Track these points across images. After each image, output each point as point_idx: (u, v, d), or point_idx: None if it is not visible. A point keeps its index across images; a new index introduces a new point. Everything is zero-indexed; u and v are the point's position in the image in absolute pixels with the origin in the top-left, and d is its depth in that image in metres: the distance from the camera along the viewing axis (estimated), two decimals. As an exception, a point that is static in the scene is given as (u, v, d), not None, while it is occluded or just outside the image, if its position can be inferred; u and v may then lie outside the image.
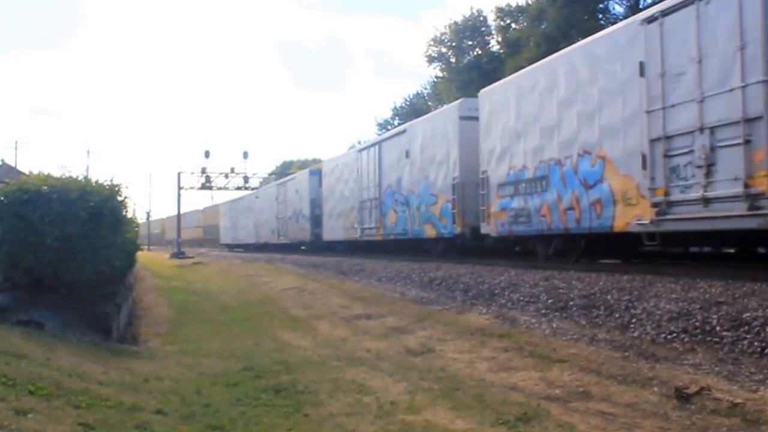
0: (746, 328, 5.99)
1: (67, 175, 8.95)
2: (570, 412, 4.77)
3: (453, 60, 44.91)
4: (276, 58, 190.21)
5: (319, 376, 6.16)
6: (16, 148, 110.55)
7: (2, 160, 51.26)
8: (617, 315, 7.45)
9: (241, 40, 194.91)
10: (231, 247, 46.37)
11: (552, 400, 5.09)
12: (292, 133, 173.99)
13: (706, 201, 8.56)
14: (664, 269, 9.93)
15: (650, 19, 9.59)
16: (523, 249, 14.50)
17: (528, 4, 37.14)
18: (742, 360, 5.52)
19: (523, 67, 16.34)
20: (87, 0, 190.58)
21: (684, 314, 6.71)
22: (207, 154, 46.43)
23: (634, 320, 7.13)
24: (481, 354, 6.85)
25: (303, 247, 30.63)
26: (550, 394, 5.28)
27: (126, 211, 9.56)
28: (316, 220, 28.15)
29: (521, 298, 9.37)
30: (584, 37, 13.36)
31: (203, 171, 46.11)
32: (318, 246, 27.95)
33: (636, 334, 6.80)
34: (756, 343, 5.70)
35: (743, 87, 8.02)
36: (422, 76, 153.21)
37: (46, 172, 8.97)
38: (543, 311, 8.47)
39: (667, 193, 9.23)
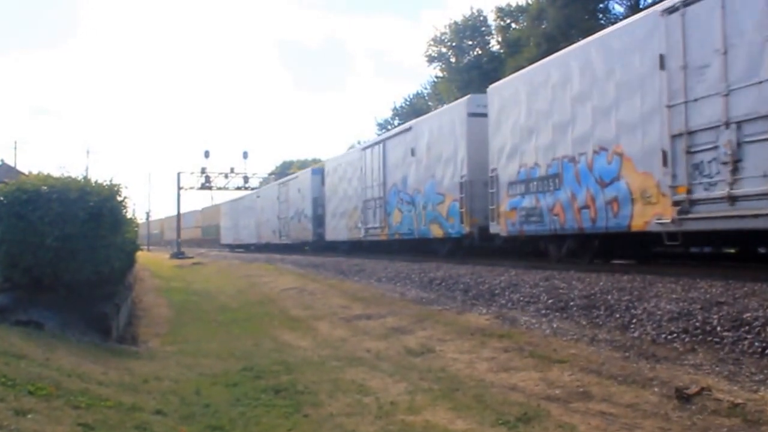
0: (747, 328, 5.98)
1: (66, 175, 8.96)
2: (570, 412, 4.76)
3: (453, 60, 44.94)
4: (276, 58, 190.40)
5: (319, 377, 6.15)
6: (15, 148, 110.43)
7: (2, 160, 51.26)
8: (618, 315, 7.44)
9: (241, 41, 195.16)
10: (232, 247, 46.14)
11: (552, 401, 5.08)
12: (291, 133, 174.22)
13: (733, 199, 8.19)
14: (664, 269, 9.92)
15: (671, 10, 9.19)
16: (534, 249, 14.13)
17: (528, 4, 37.18)
18: (743, 360, 5.51)
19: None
20: (86, 0, 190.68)
21: (684, 314, 6.70)
22: (207, 154, 46.48)
23: (634, 320, 7.13)
24: (481, 354, 6.84)
25: (306, 248, 30.31)
26: (550, 394, 5.27)
27: (125, 211, 9.56)
28: (319, 220, 27.81)
29: (521, 298, 9.36)
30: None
31: (203, 171, 46.11)
32: (321, 246, 27.63)
33: (636, 334, 6.79)
34: (757, 344, 5.69)
35: None
36: (422, 76, 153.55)
37: (45, 172, 8.99)
38: (543, 311, 8.47)
39: (689, 191, 8.86)
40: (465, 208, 15.35)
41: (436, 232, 17.08)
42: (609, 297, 8.06)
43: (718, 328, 6.18)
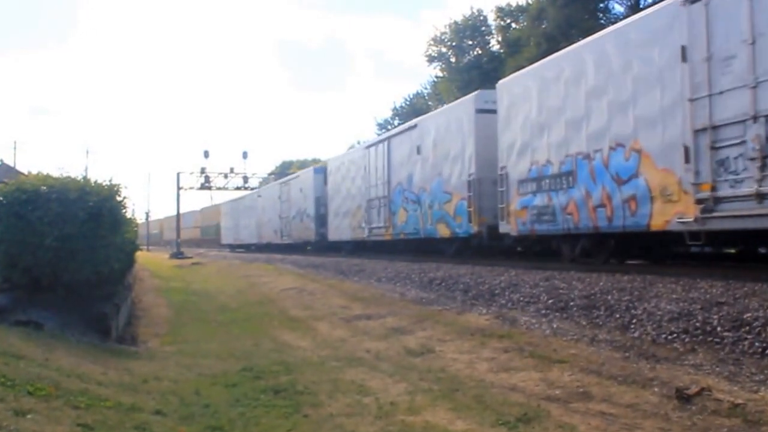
0: (747, 328, 5.97)
1: (65, 175, 8.95)
2: (570, 412, 4.75)
3: (453, 60, 44.93)
4: (276, 59, 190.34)
5: (319, 377, 6.14)
6: (14, 148, 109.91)
7: (1, 160, 51.12)
8: (618, 315, 7.43)
9: (240, 41, 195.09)
10: (232, 247, 45.97)
11: (552, 401, 5.07)
12: (291, 133, 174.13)
13: (761, 196, 7.83)
14: (664, 269, 9.90)
15: None
16: (546, 249, 13.82)
17: (528, 4, 37.18)
18: (743, 360, 5.51)
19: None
20: (86, 0, 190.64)
21: (685, 314, 6.70)
22: (206, 154, 46.46)
23: (634, 321, 7.12)
24: (481, 354, 6.83)
25: (308, 248, 29.95)
26: (550, 394, 5.27)
27: (125, 212, 9.55)
28: (321, 220, 27.47)
29: (521, 298, 9.35)
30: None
31: (202, 171, 46.10)
32: (323, 246, 27.27)
33: (636, 334, 6.78)
34: (757, 344, 5.68)
35: None
36: (422, 76, 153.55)
37: (44, 172, 8.97)
38: (543, 312, 8.46)
39: (714, 189, 8.47)
40: (473, 207, 15.00)
41: (443, 231, 16.75)
42: (609, 297, 8.05)
43: (719, 329, 6.17)
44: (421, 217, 17.92)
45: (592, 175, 11.08)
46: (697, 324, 6.40)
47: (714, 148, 8.50)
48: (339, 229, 25.05)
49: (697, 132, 8.75)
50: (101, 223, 8.29)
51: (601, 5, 33.12)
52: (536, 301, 8.98)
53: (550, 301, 8.70)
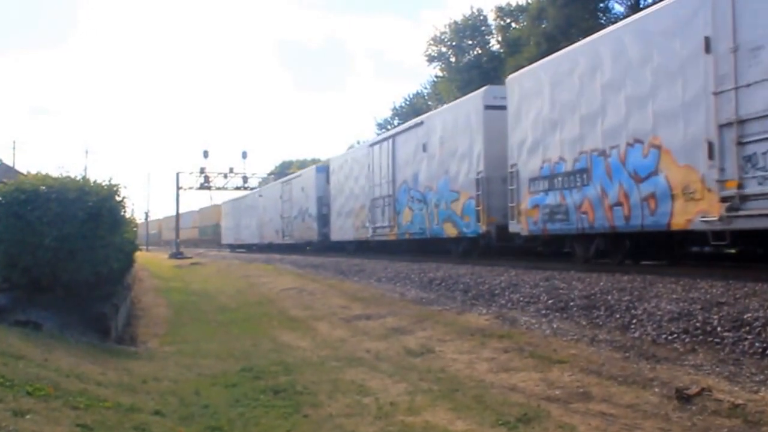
0: (747, 328, 5.97)
1: (65, 175, 8.93)
2: (570, 413, 4.75)
3: (453, 59, 44.94)
4: (276, 59, 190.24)
5: (319, 377, 6.14)
6: (14, 148, 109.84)
7: (0, 160, 51.19)
8: (618, 315, 7.43)
9: (241, 41, 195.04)
10: (233, 247, 45.77)
11: (552, 401, 5.07)
12: (291, 133, 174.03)
13: None
14: (664, 269, 9.90)
15: None
16: (558, 249, 13.50)
17: (528, 4, 37.19)
18: (743, 361, 5.50)
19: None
20: (86, 0, 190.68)
21: (685, 315, 6.69)
22: (206, 154, 46.48)
23: (634, 321, 7.11)
24: (481, 355, 6.83)
25: (308, 248, 29.62)
26: (550, 394, 5.26)
27: (124, 212, 9.53)
28: (324, 220, 27.12)
29: (521, 298, 9.35)
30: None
31: (202, 171, 46.09)
32: (326, 246, 26.94)
33: (637, 334, 6.78)
34: (757, 344, 5.67)
35: None
36: (422, 75, 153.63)
37: (44, 172, 8.96)
38: (543, 312, 8.45)
39: (740, 186, 8.11)
40: (482, 206, 14.63)
41: (450, 231, 16.37)
42: (609, 297, 8.05)
43: (719, 329, 6.16)
44: (427, 216, 17.56)
45: (608, 172, 10.73)
46: (698, 324, 6.40)
47: (740, 144, 8.14)
48: (342, 229, 24.75)
49: (722, 127, 8.38)
50: (100, 223, 8.28)
51: (601, 5, 33.14)
52: (536, 301, 8.97)
53: (550, 301, 8.69)
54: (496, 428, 4.47)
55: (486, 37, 44.03)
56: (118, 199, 8.91)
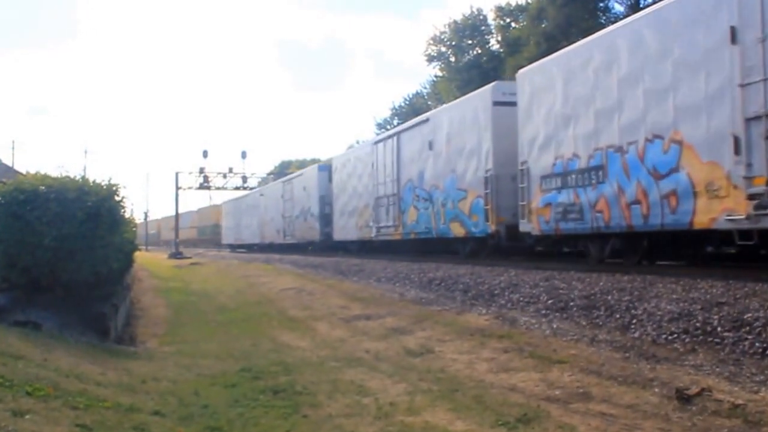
0: (747, 328, 5.97)
1: (64, 174, 8.92)
2: (570, 413, 4.74)
3: (453, 59, 44.94)
4: (276, 59, 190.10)
5: (318, 377, 6.13)
6: (13, 148, 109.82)
7: None
8: (618, 315, 7.42)
9: (240, 41, 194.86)
10: (234, 247, 45.49)
11: (552, 401, 5.06)
12: (291, 133, 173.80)
13: None
14: (664, 269, 9.89)
15: None
16: (571, 250, 13.19)
17: (528, 3, 37.21)
18: (744, 361, 5.50)
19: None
20: (86, 0, 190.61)
21: (685, 315, 6.69)
22: (205, 154, 46.49)
23: (634, 321, 7.11)
24: (481, 355, 6.82)
25: (310, 248, 29.26)
26: (550, 395, 5.26)
27: (124, 211, 9.53)
28: (326, 219, 26.76)
29: (521, 298, 9.34)
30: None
31: (201, 171, 46.06)
32: (328, 246, 26.59)
33: (637, 334, 6.77)
34: (757, 344, 5.67)
35: None
36: (422, 75, 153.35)
37: (43, 172, 8.95)
38: (543, 312, 8.45)
39: None
40: (490, 205, 14.26)
41: (457, 231, 15.95)
42: (609, 297, 8.04)
43: (719, 329, 6.16)
44: (434, 215, 17.13)
45: (625, 169, 10.34)
46: (698, 324, 6.40)
47: None
48: (345, 229, 24.40)
49: (749, 120, 8.01)
50: (100, 223, 8.28)
51: (601, 5, 33.17)
52: (536, 301, 8.97)
53: (550, 302, 8.69)
54: (496, 428, 4.46)
55: (486, 36, 44.04)
56: (117, 199, 8.90)
